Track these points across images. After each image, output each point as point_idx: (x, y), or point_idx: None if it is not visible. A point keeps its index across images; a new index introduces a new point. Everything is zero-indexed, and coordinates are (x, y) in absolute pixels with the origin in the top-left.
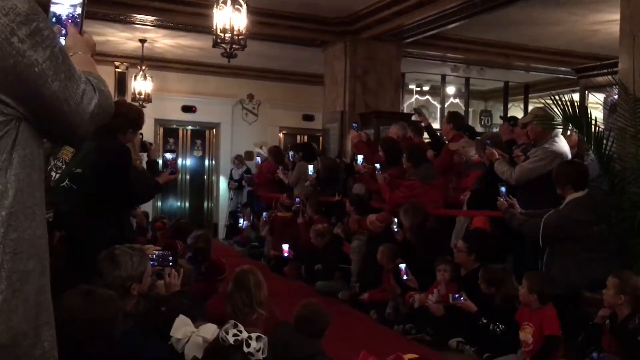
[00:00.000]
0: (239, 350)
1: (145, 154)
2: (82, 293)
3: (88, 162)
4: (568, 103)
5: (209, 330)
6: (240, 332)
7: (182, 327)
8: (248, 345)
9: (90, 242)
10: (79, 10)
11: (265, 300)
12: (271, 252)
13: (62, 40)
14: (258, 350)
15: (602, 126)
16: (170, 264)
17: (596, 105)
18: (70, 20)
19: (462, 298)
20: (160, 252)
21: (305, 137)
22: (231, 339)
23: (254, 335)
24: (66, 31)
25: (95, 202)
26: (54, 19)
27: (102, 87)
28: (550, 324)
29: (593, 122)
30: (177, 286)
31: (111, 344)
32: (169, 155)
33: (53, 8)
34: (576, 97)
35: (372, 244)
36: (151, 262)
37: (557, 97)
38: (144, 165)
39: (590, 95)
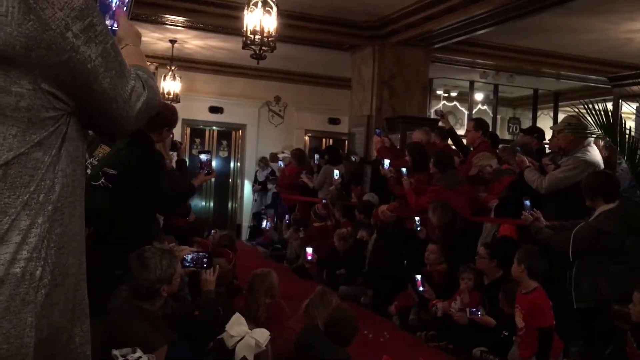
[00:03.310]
0: None
1: (175, 153)
2: None
3: (120, 162)
4: (602, 111)
5: (263, 335)
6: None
7: (236, 326)
8: None
9: (118, 240)
10: None
11: (268, 289)
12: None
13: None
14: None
15: (636, 136)
16: (205, 265)
17: (630, 114)
18: (124, 8)
19: (479, 313)
20: (195, 254)
21: (331, 141)
22: None
23: (145, 356)
24: (116, 20)
25: (128, 203)
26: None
27: (151, 83)
28: (543, 315)
29: (627, 131)
30: (212, 283)
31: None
32: (204, 157)
33: None
34: (609, 105)
35: (381, 242)
36: (187, 264)
37: (590, 106)
38: (174, 164)
39: (624, 104)
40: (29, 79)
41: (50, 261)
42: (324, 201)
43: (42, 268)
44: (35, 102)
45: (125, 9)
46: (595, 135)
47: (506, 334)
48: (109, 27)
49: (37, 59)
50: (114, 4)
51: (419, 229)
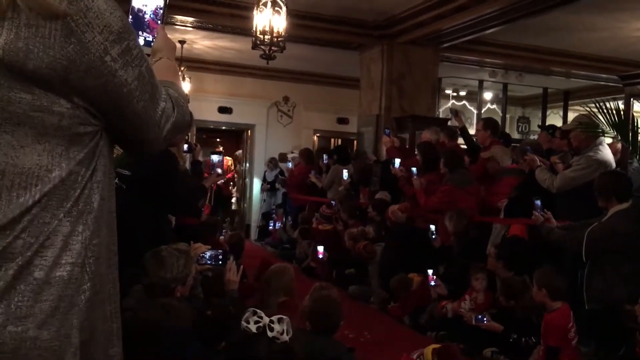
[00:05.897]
0: (264, 336)
1: (189, 155)
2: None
3: (133, 163)
4: (613, 110)
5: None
6: (261, 318)
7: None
8: (271, 330)
9: (130, 240)
10: (161, 5)
11: (284, 286)
12: (311, 264)
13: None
14: (282, 333)
15: None
16: (220, 262)
17: None
18: (158, 20)
19: (485, 320)
20: (213, 251)
21: (339, 141)
22: (253, 328)
23: (275, 318)
24: (150, 31)
25: (141, 203)
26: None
27: (181, 103)
28: (553, 335)
29: (639, 130)
30: (236, 284)
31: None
32: (215, 158)
33: (135, 3)
34: (620, 104)
35: (391, 242)
36: (208, 262)
37: (601, 104)
38: (187, 166)
39: (635, 102)
40: (67, 99)
41: (89, 269)
42: (332, 202)
43: (84, 275)
44: (74, 120)
45: (159, 22)
46: (607, 135)
47: (515, 336)
48: (146, 40)
49: (75, 81)
50: (148, 17)
51: (433, 236)
